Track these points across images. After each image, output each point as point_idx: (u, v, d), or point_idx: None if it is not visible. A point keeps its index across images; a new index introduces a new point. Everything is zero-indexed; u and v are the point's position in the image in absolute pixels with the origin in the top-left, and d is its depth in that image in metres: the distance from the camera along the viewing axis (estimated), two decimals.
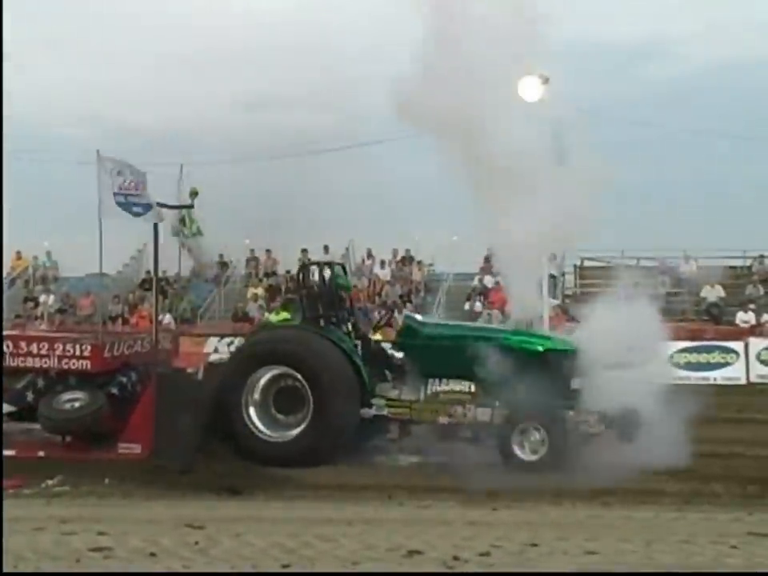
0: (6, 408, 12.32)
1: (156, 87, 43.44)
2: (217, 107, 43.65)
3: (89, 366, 11.97)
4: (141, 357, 12.72)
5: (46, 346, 12.04)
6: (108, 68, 43.21)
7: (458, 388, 12.21)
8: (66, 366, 11.94)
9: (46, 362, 12.00)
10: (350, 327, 13.10)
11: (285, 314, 18.00)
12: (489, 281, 25.64)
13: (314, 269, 13.70)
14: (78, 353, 11.96)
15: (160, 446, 11.41)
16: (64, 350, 11.96)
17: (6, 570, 7.08)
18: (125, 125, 44.38)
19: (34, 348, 12.04)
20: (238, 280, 29.09)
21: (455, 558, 7.49)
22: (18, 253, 29.64)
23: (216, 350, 21.22)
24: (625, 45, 41.20)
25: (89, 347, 12.05)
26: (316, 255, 24.56)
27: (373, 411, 12.34)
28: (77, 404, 11.86)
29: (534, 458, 11.58)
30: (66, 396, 11.97)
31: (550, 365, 11.68)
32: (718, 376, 22.54)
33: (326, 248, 25.59)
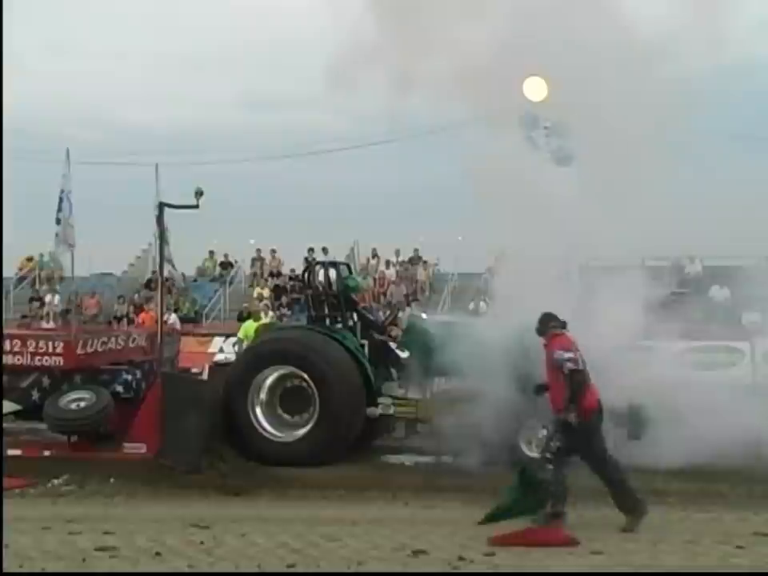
0: (12, 407, 12.35)
1: (160, 87, 43.56)
2: (221, 107, 43.78)
3: (61, 363, 11.99)
4: (119, 354, 12.79)
5: (19, 344, 12.05)
6: (112, 68, 43.34)
7: (463, 386, 12.19)
8: (38, 363, 11.95)
9: (18, 359, 12.00)
10: (355, 326, 13.10)
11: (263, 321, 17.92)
12: (495, 281, 25.60)
13: (319, 269, 13.69)
14: (50, 349, 11.96)
15: (166, 446, 11.43)
16: (37, 346, 11.96)
17: (11, 568, 7.09)
18: (130, 125, 44.52)
19: (6, 345, 12.04)
20: (243, 280, 29.08)
21: (460, 558, 7.49)
22: (30, 258, 29.66)
23: (221, 350, 21.20)
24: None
25: (61, 344, 12.06)
26: (318, 256, 24.51)
27: (379, 410, 12.35)
28: (82, 403, 11.88)
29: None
30: (72, 396, 11.98)
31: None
32: (723, 376, 22.40)
33: (324, 250, 25.47)
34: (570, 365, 8.86)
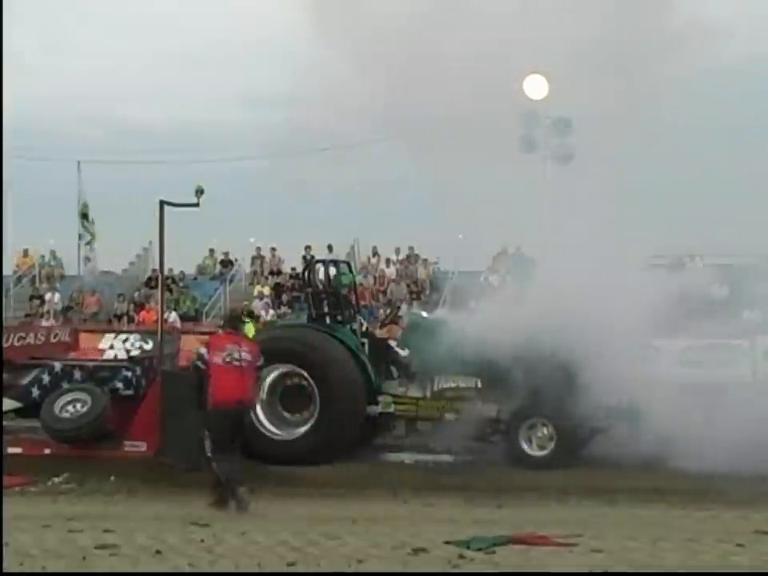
0: (12, 404, 12.34)
1: (161, 85, 43.53)
2: (222, 105, 43.71)
3: None
4: (38, 349, 12.86)
5: None
6: (112, 67, 43.29)
7: (464, 384, 12.19)
8: None
9: None
10: (355, 325, 13.09)
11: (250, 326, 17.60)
12: (494, 279, 25.64)
13: (320, 267, 13.68)
14: None
15: (166, 444, 11.42)
16: None
17: (11, 567, 7.09)
18: (130, 123, 44.48)
19: None
20: (243, 278, 29.08)
21: (461, 557, 7.48)
22: (26, 251, 29.68)
23: None
24: None
25: None
26: (320, 254, 24.47)
27: (379, 408, 12.35)
28: (79, 405, 11.81)
29: (541, 453, 11.57)
30: (67, 397, 11.91)
31: (557, 360, 11.59)
32: (723, 374, 22.34)
33: (329, 247, 25.50)
34: (196, 361, 9.92)
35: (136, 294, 26.56)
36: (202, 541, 8.08)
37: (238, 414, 9.74)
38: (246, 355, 9.78)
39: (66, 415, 11.81)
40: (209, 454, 9.65)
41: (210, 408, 9.67)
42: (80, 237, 27.43)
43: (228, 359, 9.66)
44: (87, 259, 27.59)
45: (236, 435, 9.76)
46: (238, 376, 9.68)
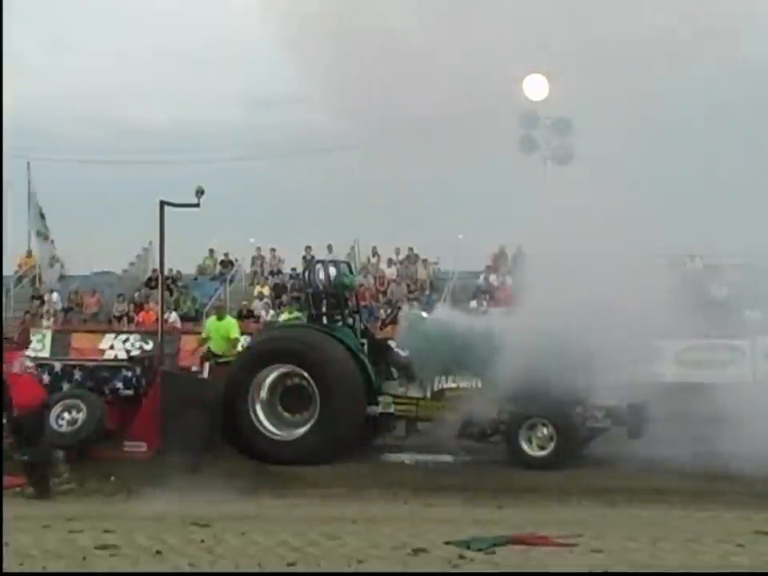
0: None
1: (161, 85, 43.52)
2: (222, 105, 43.71)
3: None
4: None
5: None
6: (112, 66, 43.29)
7: (464, 384, 12.18)
8: None
9: None
10: (355, 325, 13.08)
11: (296, 313, 17.78)
12: (494, 279, 25.64)
13: (320, 267, 13.68)
14: None
15: (166, 444, 11.42)
16: None
17: (11, 567, 7.09)
18: (130, 123, 44.48)
19: None
20: (243, 278, 29.09)
21: (461, 557, 7.47)
22: (29, 251, 29.69)
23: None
24: None
25: None
26: (320, 254, 24.48)
27: (379, 409, 12.34)
28: (74, 411, 11.72)
29: (541, 453, 11.57)
30: (62, 405, 11.81)
31: (556, 359, 11.57)
32: (723, 374, 22.34)
33: (329, 247, 25.54)
34: None
35: (136, 295, 26.55)
36: (202, 541, 8.07)
37: (41, 414, 10.64)
38: (30, 363, 11.00)
39: (63, 424, 11.69)
40: (24, 457, 10.45)
41: (16, 414, 10.44)
42: (44, 237, 27.84)
43: (23, 368, 10.70)
44: (53, 259, 27.82)
45: (40, 432, 10.61)
46: (35, 381, 10.78)
